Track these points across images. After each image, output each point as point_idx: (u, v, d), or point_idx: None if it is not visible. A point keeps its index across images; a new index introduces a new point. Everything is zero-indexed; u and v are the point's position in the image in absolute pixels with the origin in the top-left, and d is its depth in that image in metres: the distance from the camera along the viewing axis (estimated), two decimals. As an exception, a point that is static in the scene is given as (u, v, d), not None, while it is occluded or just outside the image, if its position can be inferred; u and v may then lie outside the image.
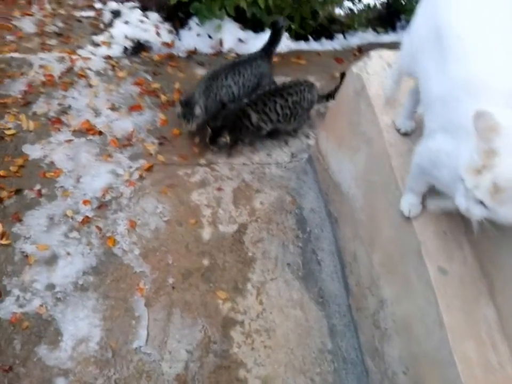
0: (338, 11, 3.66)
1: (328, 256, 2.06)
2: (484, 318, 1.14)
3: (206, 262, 2.07)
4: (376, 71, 1.66)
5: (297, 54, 3.18)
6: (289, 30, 3.12)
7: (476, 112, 0.85)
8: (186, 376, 1.78)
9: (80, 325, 1.89)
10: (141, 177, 2.34)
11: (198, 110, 2.34)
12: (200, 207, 2.26)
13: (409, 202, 1.31)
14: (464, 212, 0.87)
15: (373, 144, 1.54)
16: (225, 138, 2.31)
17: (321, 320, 1.90)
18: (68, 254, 2.07)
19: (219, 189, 2.33)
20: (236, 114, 2.34)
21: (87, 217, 2.18)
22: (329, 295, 1.96)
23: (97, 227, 2.15)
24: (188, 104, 2.37)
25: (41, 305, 1.92)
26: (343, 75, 2.29)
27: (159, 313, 1.93)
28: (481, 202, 0.84)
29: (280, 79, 2.94)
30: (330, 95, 2.54)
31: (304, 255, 2.09)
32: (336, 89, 2.38)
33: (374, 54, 1.75)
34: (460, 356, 1.10)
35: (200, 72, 2.96)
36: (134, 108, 2.63)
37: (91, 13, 3.43)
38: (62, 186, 2.29)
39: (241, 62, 2.54)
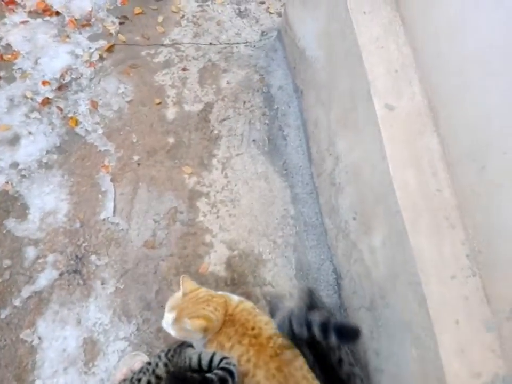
0: None
1: (294, 131, 2.04)
2: (427, 148, 1.15)
3: (171, 140, 2.05)
4: None
5: None
6: None
7: None
8: (154, 242, 1.84)
9: (47, 199, 1.91)
10: (101, 58, 2.23)
11: None
12: (165, 88, 2.18)
13: None
14: None
15: (332, -9, 1.44)
16: None
17: (284, 190, 1.93)
18: (30, 133, 2.03)
19: (184, 69, 2.24)
20: None
21: (47, 98, 2.11)
22: (293, 167, 1.97)
23: (58, 107, 2.09)
24: None
25: (6, 182, 1.93)
26: None
27: (125, 188, 1.95)
28: None
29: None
30: None
31: (270, 131, 2.07)
32: None
33: None
34: (399, 184, 1.12)
35: None
36: (91, -16, 2.43)
37: None
38: (20, 68, 2.19)
39: None
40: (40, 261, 1.81)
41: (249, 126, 2.09)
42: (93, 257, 1.81)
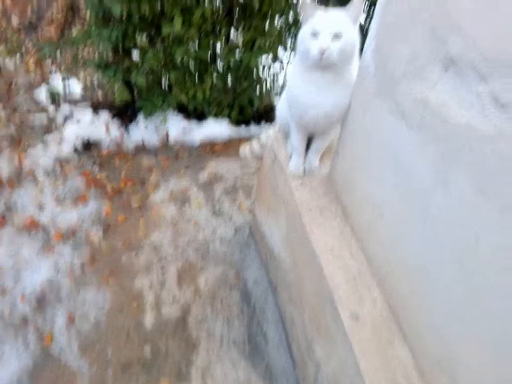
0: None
1: (273, 327, 1.99)
2: (399, 359, 1.11)
3: (147, 349, 1.97)
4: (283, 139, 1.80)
5: (240, 140, 3.38)
6: (229, 116, 3.36)
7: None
8: None
9: None
10: (83, 267, 2.31)
11: None
12: (143, 291, 2.21)
13: (294, 164, 1.64)
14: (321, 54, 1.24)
15: (288, 205, 1.60)
16: None
17: (269, 399, 1.78)
18: (2, 356, 1.94)
19: (163, 270, 2.30)
20: None
21: (24, 316, 2.09)
22: (276, 369, 1.85)
23: (34, 325, 2.05)
24: None
25: (-36, 420, 1.75)
26: None
27: (96, 415, 1.77)
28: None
29: (226, 163, 3.12)
30: None
31: (249, 329, 2.02)
32: None
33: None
34: (378, 405, 1.04)
35: (147, 161, 3.10)
36: (79, 199, 2.69)
37: (44, 117, 3.62)
38: (1, 285, 2.23)
39: None
40: None
41: (228, 326, 2.04)
42: None
